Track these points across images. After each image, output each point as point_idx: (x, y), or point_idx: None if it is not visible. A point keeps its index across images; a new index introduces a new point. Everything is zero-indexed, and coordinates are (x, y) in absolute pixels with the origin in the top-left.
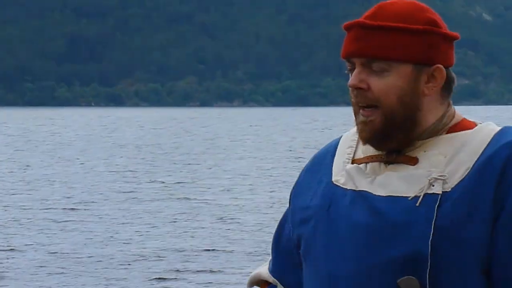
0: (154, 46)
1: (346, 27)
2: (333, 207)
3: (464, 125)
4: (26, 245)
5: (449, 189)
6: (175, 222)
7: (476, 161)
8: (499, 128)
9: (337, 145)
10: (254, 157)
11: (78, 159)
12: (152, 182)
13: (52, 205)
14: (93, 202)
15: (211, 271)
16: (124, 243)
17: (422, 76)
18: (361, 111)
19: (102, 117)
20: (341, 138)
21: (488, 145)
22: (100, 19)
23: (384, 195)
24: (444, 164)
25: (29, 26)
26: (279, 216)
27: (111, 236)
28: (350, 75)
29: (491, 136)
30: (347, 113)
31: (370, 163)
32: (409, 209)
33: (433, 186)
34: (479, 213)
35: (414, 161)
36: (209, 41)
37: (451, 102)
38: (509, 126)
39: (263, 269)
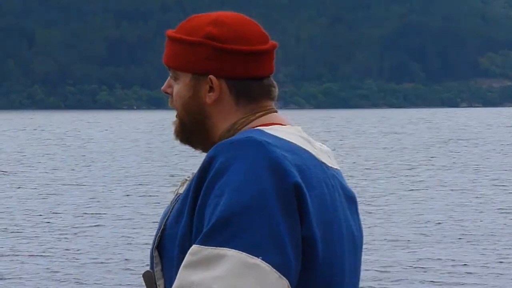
0: None
1: None
2: None
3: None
4: (37, 250)
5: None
6: None
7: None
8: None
9: None
10: None
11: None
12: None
13: (71, 209)
14: (106, 206)
15: None
16: (141, 248)
17: (202, 86)
18: None
19: (121, 121)
20: None
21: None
22: (141, 22)
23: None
24: (199, 166)
25: (71, 30)
26: None
27: (127, 241)
28: None
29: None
30: (387, 115)
31: None
32: (167, 208)
33: (182, 186)
34: (186, 209)
35: None
36: None
37: (265, 110)
38: (251, 130)
39: None
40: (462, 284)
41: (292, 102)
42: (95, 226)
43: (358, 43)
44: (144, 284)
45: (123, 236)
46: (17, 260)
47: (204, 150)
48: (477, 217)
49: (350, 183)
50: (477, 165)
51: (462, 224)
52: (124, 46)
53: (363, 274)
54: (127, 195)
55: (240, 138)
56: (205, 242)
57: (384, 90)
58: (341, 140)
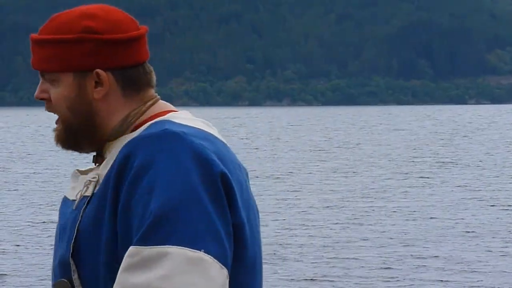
0: (203, 46)
1: None
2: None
3: (145, 123)
4: (41, 247)
5: (96, 191)
6: None
7: (115, 160)
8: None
9: None
10: (284, 158)
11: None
12: None
13: None
14: None
15: None
16: None
17: (87, 83)
18: None
19: None
20: None
21: (128, 142)
22: (149, 19)
23: (71, 198)
24: (103, 165)
25: None
26: (291, 218)
27: None
28: None
29: (139, 133)
30: (394, 112)
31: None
32: (71, 212)
33: (88, 188)
34: (106, 212)
35: (102, 162)
36: (258, 40)
37: (153, 99)
38: (161, 121)
39: None
40: (466, 281)
41: (300, 99)
42: None
43: (366, 40)
44: None
45: None
46: (20, 256)
47: (92, 150)
48: (481, 214)
49: (354, 179)
50: (482, 161)
51: (466, 221)
52: None
53: (366, 271)
54: None
55: (155, 132)
56: (144, 242)
57: (392, 87)
58: (346, 137)
